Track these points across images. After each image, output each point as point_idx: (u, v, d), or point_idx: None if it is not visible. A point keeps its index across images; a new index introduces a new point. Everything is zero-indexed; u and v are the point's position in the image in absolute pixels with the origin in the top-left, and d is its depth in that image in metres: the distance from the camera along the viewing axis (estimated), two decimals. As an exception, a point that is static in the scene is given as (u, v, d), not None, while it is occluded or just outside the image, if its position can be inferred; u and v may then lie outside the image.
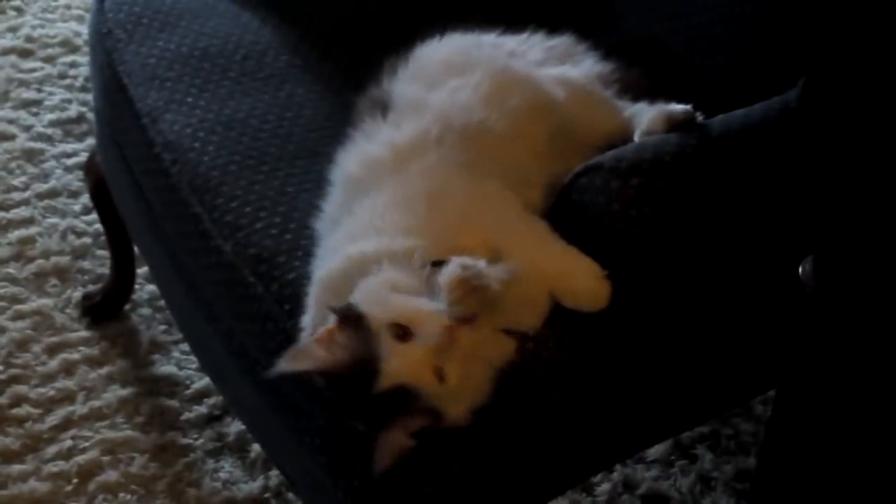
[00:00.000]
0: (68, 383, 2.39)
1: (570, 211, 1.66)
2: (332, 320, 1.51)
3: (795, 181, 1.66)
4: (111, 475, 2.24)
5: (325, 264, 1.61)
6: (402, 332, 1.49)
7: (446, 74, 1.78)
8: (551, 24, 1.97)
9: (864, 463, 1.50)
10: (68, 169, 2.82)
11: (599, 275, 1.59)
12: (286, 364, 1.51)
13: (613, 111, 1.83)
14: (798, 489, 1.61)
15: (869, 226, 1.41)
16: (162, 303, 2.47)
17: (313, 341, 1.51)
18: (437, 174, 1.65)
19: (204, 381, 2.37)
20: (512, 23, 1.95)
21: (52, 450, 2.28)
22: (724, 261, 1.71)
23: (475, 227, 1.59)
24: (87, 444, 2.29)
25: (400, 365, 1.48)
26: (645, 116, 1.76)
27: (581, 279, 1.60)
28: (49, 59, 3.11)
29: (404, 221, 1.59)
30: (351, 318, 1.50)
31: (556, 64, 1.89)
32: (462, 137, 1.68)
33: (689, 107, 1.71)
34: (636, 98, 1.84)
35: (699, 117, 1.71)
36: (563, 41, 1.95)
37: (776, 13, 1.87)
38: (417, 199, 1.61)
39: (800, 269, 1.46)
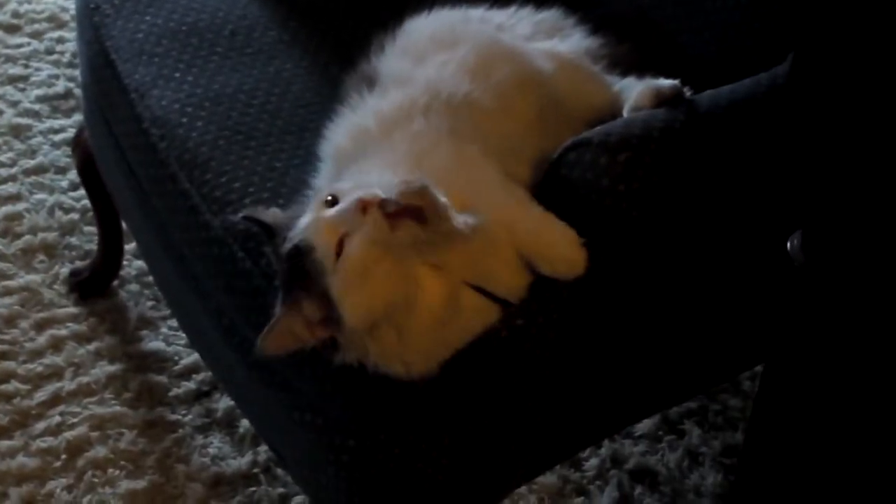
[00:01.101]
0: (56, 359, 2.39)
1: (558, 186, 1.66)
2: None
3: (783, 156, 1.66)
4: (100, 451, 2.24)
5: None
6: (332, 202, 1.52)
7: (433, 49, 1.78)
8: (540, -1, 1.98)
9: (852, 438, 1.51)
10: (56, 145, 2.81)
11: (576, 242, 1.59)
12: (249, 211, 1.63)
13: (602, 85, 1.83)
14: (785, 465, 1.61)
15: (857, 201, 1.41)
16: (150, 279, 2.47)
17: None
18: (420, 140, 1.65)
19: (192, 357, 2.38)
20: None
21: (40, 426, 2.28)
22: (712, 236, 1.71)
23: (454, 191, 1.59)
24: (75, 419, 2.29)
25: (308, 222, 1.53)
26: (633, 91, 1.76)
27: (557, 246, 1.60)
28: (36, 35, 3.11)
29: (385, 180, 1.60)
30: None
31: (544, 38, 1.89)
32: (448, 107, 1.68)
33: (677, 82, 1.71)
34: (624, 73, 1.84)
35: (687, 93, 1.71)
36: (551, 15, 1.95)
37: (765, -11, 1.88)
38: (399, 162, 1.61)
39: (788, 245, 1.46)
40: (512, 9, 1.93)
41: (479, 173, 1.64)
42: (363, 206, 1.49)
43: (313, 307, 1.51)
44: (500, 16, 1.91)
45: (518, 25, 1.90)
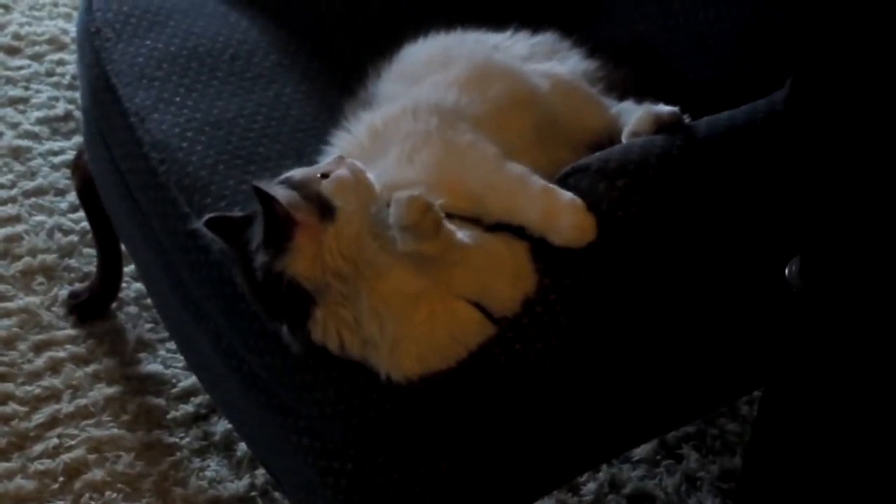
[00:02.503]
0: (55, 381, 2.38)
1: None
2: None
3: (782, 182, 1.66)
4: (97, 473, 2.24)
5: None
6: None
7: (428, 71, 1.79)
8: (537, 22, 1.98)
9: (850, 463, 1.51)
10: (55, 167, 2.82)
11: (582, 208, 1.60)
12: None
13: (599, 106, 1.84)
14: (783, 489, 1.61)
15: (855, 227, 1.41)
16: (148, 301, 2.47)
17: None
18: (410, 139, 1.66)
19: (190, 380, 2.37)
20: (497, 22, 1.96)
21: (38, 448, 2.27)
22: (710, 262, 1.71)
23: (452, 181, 1.60)
24: (73, 442, 2.28)
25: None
26: (632, 116, 1.76)
27: (565, 215, 1.60)
28: (36, 57, 3.12)
29: (382, 181, 1.61)
30: None
31: (541, 60, 1.90)
32: (438, 110, 1.69)
33: (676, 109, 1.72)
34: (622, 97, 1.85)
35: (686, 119, 1.72)
36: (547, 38, 1.96)
37: (763, 14, 1.88)
38: (392, 165, 1.63)
39: (786, 270, 1.46)
40: (508, 32, 1.94)
41: (474, 158, 1.65)
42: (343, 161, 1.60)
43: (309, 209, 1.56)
44: (496, 38, 1.92)
45: (514, 47, 1.91)
